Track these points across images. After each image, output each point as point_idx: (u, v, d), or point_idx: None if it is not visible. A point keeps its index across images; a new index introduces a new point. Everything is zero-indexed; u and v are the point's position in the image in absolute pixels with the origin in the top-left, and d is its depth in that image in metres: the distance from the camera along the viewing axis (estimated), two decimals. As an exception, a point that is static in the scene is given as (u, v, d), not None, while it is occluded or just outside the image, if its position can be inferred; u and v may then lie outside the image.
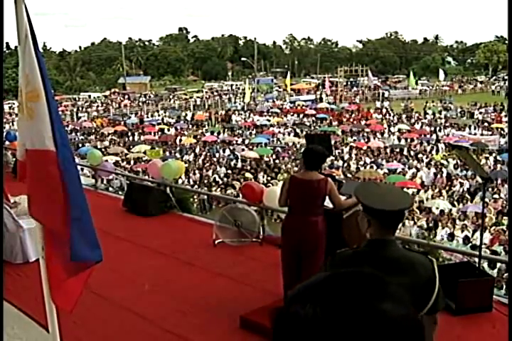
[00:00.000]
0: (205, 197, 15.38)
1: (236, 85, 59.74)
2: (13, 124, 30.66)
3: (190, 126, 31.74)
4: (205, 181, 17.27)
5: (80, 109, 42.52)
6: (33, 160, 2.91)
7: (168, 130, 30.04)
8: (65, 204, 2.80)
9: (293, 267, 4.41)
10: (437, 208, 13.13)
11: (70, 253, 2.82)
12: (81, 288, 3.00)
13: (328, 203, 4.51)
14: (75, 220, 2.82)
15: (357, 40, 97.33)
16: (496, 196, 14.00)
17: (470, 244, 10.00)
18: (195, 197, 13.86)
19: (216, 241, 6.62)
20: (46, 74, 2.85)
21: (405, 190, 14.92)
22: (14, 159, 10.19)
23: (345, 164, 19.32)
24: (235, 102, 44.91)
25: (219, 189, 15.92)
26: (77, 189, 2.89)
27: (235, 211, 6.89)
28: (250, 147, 23.29)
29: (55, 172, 2.80)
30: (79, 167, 15.62)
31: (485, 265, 8.17)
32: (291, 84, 51.78)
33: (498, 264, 8.62)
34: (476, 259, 5.16)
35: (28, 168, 2.95)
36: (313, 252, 4.29)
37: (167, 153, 21.61)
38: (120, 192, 11.97)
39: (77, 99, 51.84)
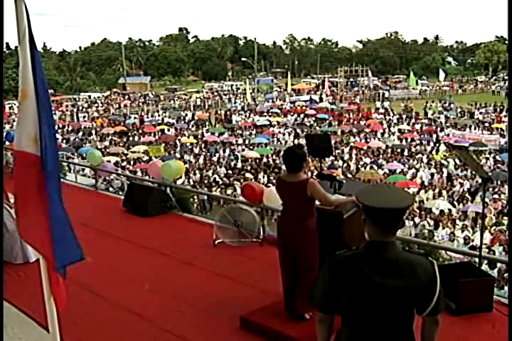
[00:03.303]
0: (205, 197, 15.38)
1: (236, 85, 59.76)
2: (13, 125, 30.64)
3: (190, 127, 31.74)
4: (205, 181, 17.26)
5: (80, 109, 42.51)
6: (19, 161, 2.93)
7: (168, 130, 30.03)
8: (44, 204, 2.85)
9: (290, 266, 4.40)
10: (437, 208, 13.11)
11: (54, 265, 2.94)
12: (65, 287, 3.09)
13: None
14: (55, 218, 2.86)
15: (357, 40, 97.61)
16: (496, 196, 14.00)
17: (470, 245, 10.01)
18: (195, 197, 13.85)
19: (216, 242, 6.61)
20: (41, 74, 2.81)
21: (406, 190, 14.97)
22: (14, 159, 10.18)
23: (345, 164, 19.31)
24: (235, 102, 44.90)
25: (219, 189, 15.91)
26: (56, 190, 2.94)
27: (235, 211, 6.88)
28: (251, 147, 23.29)
29: (35, 174, 2.83)
30: (79, 167, 15.79)
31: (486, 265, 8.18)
32: (292, 84, 51.81)
33: (498, 264, 8.62)
34: (476, 259, 5.16)
35: (15, 168, 2.97)
36: (305, 252, 4.27)
37: (167, 154, 21.59)
38: (120, 193, 11.96)
39: (77, 99, 51.85)
